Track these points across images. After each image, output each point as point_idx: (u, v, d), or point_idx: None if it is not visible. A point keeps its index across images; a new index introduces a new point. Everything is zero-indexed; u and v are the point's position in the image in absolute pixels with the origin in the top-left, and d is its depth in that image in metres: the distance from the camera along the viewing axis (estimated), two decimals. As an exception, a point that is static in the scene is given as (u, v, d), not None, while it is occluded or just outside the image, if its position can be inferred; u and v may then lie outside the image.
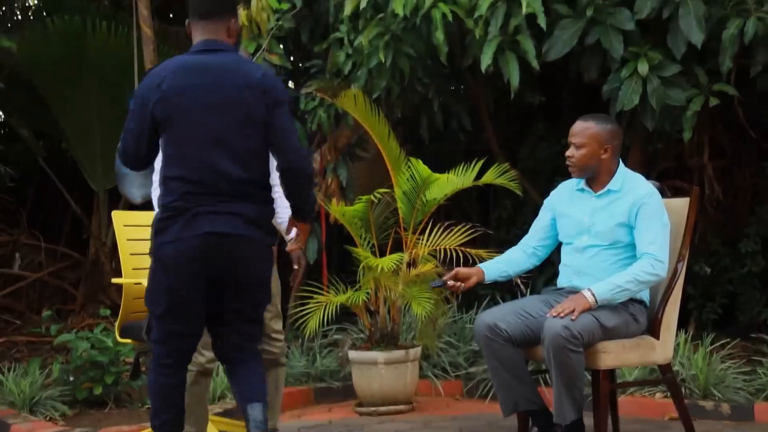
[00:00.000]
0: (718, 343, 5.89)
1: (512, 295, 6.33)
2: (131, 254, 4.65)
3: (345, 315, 6.41)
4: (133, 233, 4.71)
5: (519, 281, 5.71)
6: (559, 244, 4.49)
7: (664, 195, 4.38)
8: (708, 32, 5.59)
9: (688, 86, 5.79)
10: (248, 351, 3.79)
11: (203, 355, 4.25)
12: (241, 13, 6.58)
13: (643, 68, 5.66)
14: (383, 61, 6.07)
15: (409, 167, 5.87)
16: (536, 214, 4.61)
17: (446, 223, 5.99)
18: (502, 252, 4.63)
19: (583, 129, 4.28)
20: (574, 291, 4.19)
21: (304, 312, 5.85)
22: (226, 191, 3.57)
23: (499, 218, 7.72)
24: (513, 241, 7.58)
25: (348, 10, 6.17)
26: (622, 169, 4.33)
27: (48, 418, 5.56)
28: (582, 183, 4.36)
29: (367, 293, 5.77)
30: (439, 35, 5.88)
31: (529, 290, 6.24)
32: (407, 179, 5.86)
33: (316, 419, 5.70)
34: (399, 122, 7.07)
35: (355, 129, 6.73)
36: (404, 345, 5.88)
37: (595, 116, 4.32)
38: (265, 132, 3.61)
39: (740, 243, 6.87)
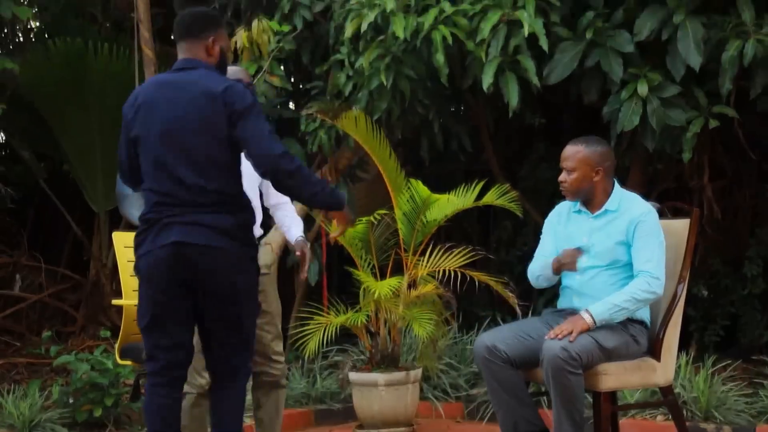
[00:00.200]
0: (719, 365, 5.88)
1: (512, 317, 6.33)
2: (132, 275, 4.65)
3: (345, 336, 6.40)
4: (133, 254, 4.70)
5: (517, 306, 5.69)
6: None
7: (664, 216, 4.39)
8: (707, 54, 5.61)
9: (687, 107, 5.81)
10: (236, 370, 3.77)
11: (203, 377, 4.25)
12: (242, 35, 6.61)
13: (642, 89, 5.68)
14: (384, 82, 6.09)
15: (409, 188, 5.88)
16: (537, 235, 4.61)
17: (447, 244, 5.99)
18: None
19: (574, 153, 4.29)
20: (575, 312, 4.18)
21: (305, 333, 5.84)
22: (193, 202, 3.63)
23: (500, 239, 7.72)
24: (513, 262, 7.65)
25: (349, 32, 6.19)
26: (618, 189, 4.34)
27: (47, 440, 5.56)
28: (579, 204, 4.36)
29: (368, 314, 5.76)
30: (440, 57, 5.90)
31: (530, 311, 6.23)
32: (407, 200, 5.87)
33: (316, 441, 5.69)
34: (399, 143, 7.08)
35: (356, 150, 6.75)
36: (405, 366, 5.87)
37: (584, 139, 4.33)
38: (231, 143, 3.66)
39: (741, 265, 6.86)
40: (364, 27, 6.10)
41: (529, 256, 4.56)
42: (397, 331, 5.84)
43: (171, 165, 3.64)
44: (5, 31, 9.04)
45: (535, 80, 5.79)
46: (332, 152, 6.86)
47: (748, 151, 6.42)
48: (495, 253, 7.31)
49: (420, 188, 5.81)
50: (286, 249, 6.96)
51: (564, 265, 4.28)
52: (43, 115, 8.19)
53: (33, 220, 9.11)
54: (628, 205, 4.26)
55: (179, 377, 3.79)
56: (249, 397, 5.09)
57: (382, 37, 6.14)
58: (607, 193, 4.30)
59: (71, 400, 5.80)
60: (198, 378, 4.24)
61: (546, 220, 4.52)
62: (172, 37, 9.49)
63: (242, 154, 3.72)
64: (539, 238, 4.51)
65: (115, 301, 5.38)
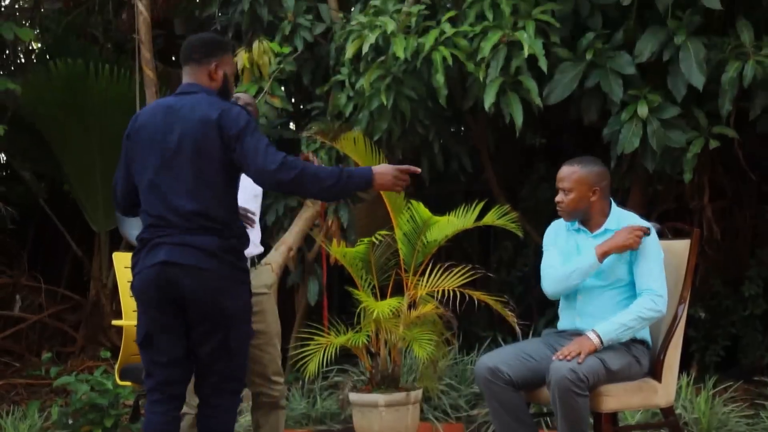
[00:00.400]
0: (720, 386, 5.86)
1: (513, 337, 6.31)
2: (132, 296, 4.64)
3: (345, 356, 6.38)
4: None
5: (517, 327, 5.68)
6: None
7: (664, 237, 4.38)
8: (707, 75, 5.63)
9: (688, 128, 5.82)
10: (220, 393, 3.76)
11: (202, 399, 4.23)
12: (243, 56, 6.64)
13: (642, 111, 5.69)
14: (385, 103, 6.11)
15: (409, 209, 5.88)
16: (537, 256, 4.60)
17: (447, 264, 5.99)
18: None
19: (570, 173, 4.28)
20: (577, 333, 4.17)
21: (305, 353, 5.83)
22: (182, 224, 3.66)
23: (500, 259, 7.72)
24: (514, 282, 7.65)
25: (350, 53, 6.22)
26: (615, 208, 4.34)
27: (46, 462, 5.54)
28: (577, 222, 4.36)
29: (368, 335, 5.75)
30: (440, 78, 5.92)
31: (531, 332, 6.22)
32: (408, 221, 5.87)
33: (316, 462, 5.66)
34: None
35: (356, 171, 6.74)
36: (405, 387, 5.85)
37: (580, 159, 4.33)
38: (227, 169, 3.69)
39: (741, 285, 6.86)
40: (365, 48, 6.13)
41: (530, 277, 4.56)
42: (397, 351, 5.82)
43: (164, 189, 3.69)
44: (7, 52, 9.08)
45: (537, 101, 5.81)
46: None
47: (748, 172, 6.42)
48: (495, 273, 7.30)
49: (420, 209, 5.81)
50: (286, 269, 6.96)
51: (627, 245, 4.12)
52: (43, 135, 8.21)
53: (33, 240, 9.11)
54: (628, 224, 4.26)
55: (177, 395, 3.79)
56: (249, 418, 5.08)
57: (382, 58, 6.16)
58: (605, 213, 4.30)
59: (71, 421, 5.78)
60: (196, 398, 4.22)
61: (546, 237, 4.50)
62: (174, 59, 9.54)
63: (242, 174, 3.76)
64: (540, 259, 4.50)
65: (115, 322, 5.37)
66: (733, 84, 5.56)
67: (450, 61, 5.92)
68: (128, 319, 4.60)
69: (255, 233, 4.38)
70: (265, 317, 4.46)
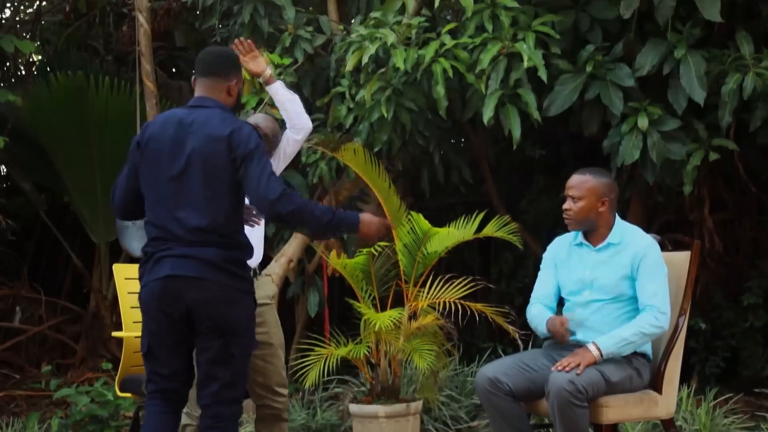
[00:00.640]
0: (721, 398, 5.86)
1: (513, 348, 6.31)
2: (132, 307, 4.65)
3: (346, 367, 6.38)
4: (133, 286, 4.69)
5: (518, 338, 5.68)
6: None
7: (664, 248, 4.38)
8: (707, 87, 5.64)
9: (688, 140, 5.83)
10: (221, 406, 3.75)
11: (203, 409, 4.23)
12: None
13: (642, 123, 5.71)
14: (385, 114, 6.12)
15: (409, 220, 5.88)
16: (537, 267, 4.59)
17: (447, 276, 5.99)
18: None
19: (581, 182, 4.28)
20: (578, 345, 4.17)
21: (305, 364, 5.83)
22: (186, 237, 3.68)
23: (500, 271, 7.72)
24: (514, 293, 7.65)
25: (350, 65, 6.23)
26: (620, 221, 4.33)
27: (46, 474, 5.53)
28: (580, 237, 4.35)
29: (368, 346, 5.75)
30: (440, 89, 5.94)
31: (531, 343, 6.22)
32: (408, 232, 5.87)
33: (316, 474, 5.65)
34: (400, 175, 7.10)
35: (356, 182, 6.76)
36: (405, 398, 5.85)
37: (592, 170, 4.33)
38: (233, 185, 3.72)
39: (742, 297, 6.86)
40: (365, 60, 6.14)
41: (529, 288, 4.55)
42: (397, 362, 5.82)
43: (171, 203, 3.70)
44: (8, 64, 9.10)
45: (536, 114, 5.82)
46: (333, 184, 6.88)
47: (748, 184, 6.43)
48: (496, 284, 7.31)
49: (420, 221, 5.81)
50: (286, 280, 6.96)
51: (553, 335, 4.24)
52: (44, 147, 8.22)
53: (33, 251, 9.11)
54: (631, 238, 4.26)
55: (177, 399, 3.85)
56: (249, 429, 5.08)
57: (383, 70, 6.17)
58: (609, 226, 4.29)
59: (70, 433, 5.78)
60: (198, 409, 4.22)
61: (545, 254, 4.49)
62: (174, 71, 9.55)
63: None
64: (539, 271, 4.50)
65: (115, 333, 5.36)
66: (733, 96, 5.58)
67: (450, 73, 5.94)
68: (128, 330, 4.60)
69: (257, 247, 4.37)
70: (268, 328, 4.46)
